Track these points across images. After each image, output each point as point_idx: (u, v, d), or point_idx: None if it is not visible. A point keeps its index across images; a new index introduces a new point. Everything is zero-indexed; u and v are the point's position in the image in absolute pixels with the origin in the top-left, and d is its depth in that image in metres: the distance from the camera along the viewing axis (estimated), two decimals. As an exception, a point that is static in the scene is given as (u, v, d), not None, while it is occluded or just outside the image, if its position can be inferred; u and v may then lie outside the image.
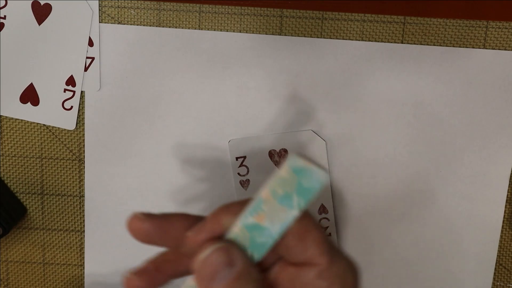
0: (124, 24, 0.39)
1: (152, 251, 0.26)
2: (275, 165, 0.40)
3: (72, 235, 0.42)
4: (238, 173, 0.40)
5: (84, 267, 0.42)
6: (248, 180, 0.40)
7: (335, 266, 0.24)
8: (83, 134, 0.40)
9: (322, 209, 0.40)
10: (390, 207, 0.40)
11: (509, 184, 0.40)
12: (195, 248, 0.24)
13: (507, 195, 0.40)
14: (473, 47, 0.38)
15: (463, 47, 0.38)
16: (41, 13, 0.38)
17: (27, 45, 0.39)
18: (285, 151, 0.40)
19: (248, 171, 0.40)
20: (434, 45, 0.38)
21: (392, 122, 0.39)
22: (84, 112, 0.40)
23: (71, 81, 0.39)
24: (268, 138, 0.40)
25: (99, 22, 0.38)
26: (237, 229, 0.24)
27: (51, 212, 0.42)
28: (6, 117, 0.40)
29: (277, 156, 0.40)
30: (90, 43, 0.39)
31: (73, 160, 0.41)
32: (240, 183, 0.40)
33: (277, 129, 0.39)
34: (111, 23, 0.39)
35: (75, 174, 0.41)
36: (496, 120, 0.39)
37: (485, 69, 0.38)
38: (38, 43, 0.39)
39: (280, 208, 0.23)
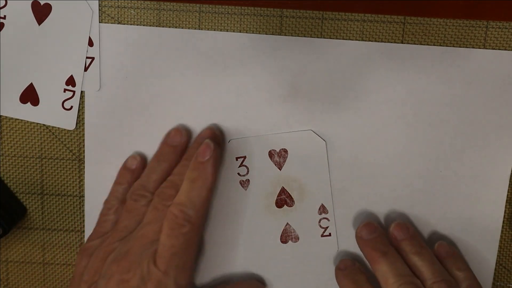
0: (124, 24, 0.39)
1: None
2: (275, 165, 0.40)
3: (72, 235, 0.42)
4: (238, 173, 0.40)
5: (84, 267, 0.42)
6: (248, 180, 0.40)
7: None
8: (83, 134, 0.40)
9: (322, 209, 0.40)
10: (390, 207, 0.40)
11: (509, 184, 0.40)
12: None
13: (507, 195, 0.40)
14: (473, 47, 0.38)
15: (463, 47, 0.38)
16: (41, 13, 0.38)
17: (27, 45, 0.39)
18: (285, 151, 0.40)
19: (248, 171, 0.40)
20: (434, 45, 0.38)
21: (392, 122, 0.39)
22: (84, 112, 0.40)
23: (71, 81, 0.39)
24: (268, 138, 0.40)
25: (99, 22, 0.38)
26: None
27: (51, 212, 0.42)
28: (6, 117, 0.40)
29: (277, 156, 0.40)
30: (90, 43, 0.39)
31: (73, 160, 0.41)
32: (240, 183, 0.40)
33: (277, 129, 0.39)
34: (111, 23, 0.39)
35: (75, 174, 0.41)
36: (496, 120, 0.39)
37: (485, 69, 0.38)
38: (38, 43, 0.39)
39: None
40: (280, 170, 0.40)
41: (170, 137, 0.39)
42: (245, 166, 0.40)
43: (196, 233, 0.35)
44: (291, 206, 0.40)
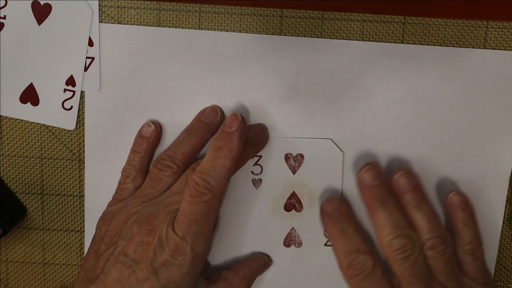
0: (124, 24, 0.39)
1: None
2: (289, 168, 0.40)
3: (72, 235, 0.42)
4: (252, 171, 0.40)
5: (84, 267, 0.42)
6: (261, 179, 0.40)
7: None
8: (83, 134, 0.40)
9: None
10: (390, 207, 0.40)
11: (509, 184, 0.40)
12: None
13: (507, 195, 0.40)
14: (473, 47, 0.38)
15: (463, 47, 0.38)
16: (41, 13, 0.38)
17: (27, 45, 0.39)
18: (302, 156, 0.39)
19: (261, 171, 0.40)
20: (434, 45, 0.38)
21: (392, 122, 0.39)
22: (84, 112, 0.40)
23: (71, 81, 0.39)
24: (286, 141, 0.39)
25: (99, 22, 0.38)
26: None
27: (51, 212, 0.42)
28: (6, 117, 0.40)
29: (292, 160, 0.40)
30: (90, 43, 0.39)
31: (73, 160, 0.41)
32: (252, 181, 0.40)
33: (277, 129, 0.39)
34: (111, 23, 0.39)
35: (75, 174, 0.41)
36: (496, 120, 0.39)
37: (485, 69, 0.38)
38: (38, 43, 0.39)
39: None
40: (294, 174, 0.40)
41: (204, 114, 0.39)
42: (260, 165, 0.40)
43: (216, 202, 0.35)
44: (299, 211, 0.40)
